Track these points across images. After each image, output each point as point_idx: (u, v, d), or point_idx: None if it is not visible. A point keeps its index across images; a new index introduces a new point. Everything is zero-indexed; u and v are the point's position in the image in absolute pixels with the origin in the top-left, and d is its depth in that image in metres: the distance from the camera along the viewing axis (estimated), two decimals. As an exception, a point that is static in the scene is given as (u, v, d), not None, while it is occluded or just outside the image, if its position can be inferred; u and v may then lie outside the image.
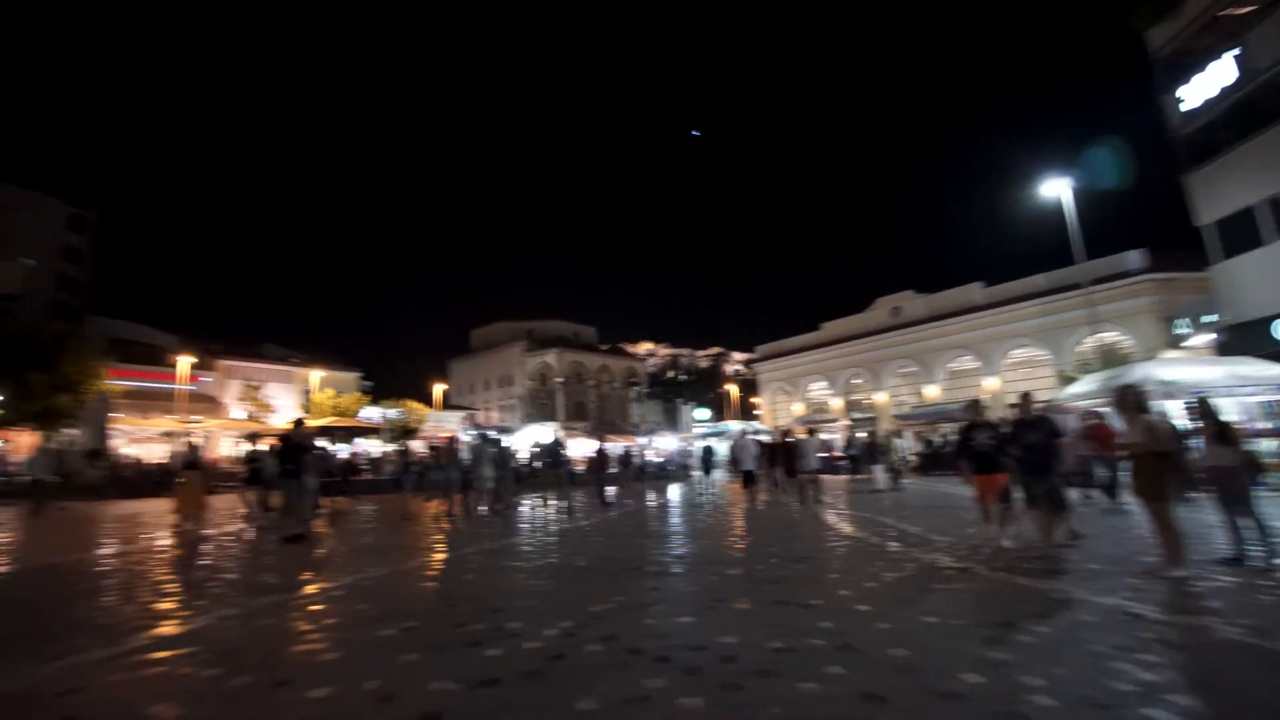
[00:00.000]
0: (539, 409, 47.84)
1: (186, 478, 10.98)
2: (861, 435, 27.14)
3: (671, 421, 54.79)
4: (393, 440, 30.15)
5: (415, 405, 36.71)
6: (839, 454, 27.22)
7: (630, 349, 67.80)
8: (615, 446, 19.22)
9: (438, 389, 39.49)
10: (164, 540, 10.36)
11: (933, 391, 36.34)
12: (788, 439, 14.55)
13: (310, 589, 6.32)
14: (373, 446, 29.22)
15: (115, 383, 29.24)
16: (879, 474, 17.61)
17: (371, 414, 34.35)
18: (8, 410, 24.24)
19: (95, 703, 3.49)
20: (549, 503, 15.41)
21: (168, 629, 4.91)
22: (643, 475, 22.11)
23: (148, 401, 31.04)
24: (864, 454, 19.46)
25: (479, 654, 4.13)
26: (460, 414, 41.67)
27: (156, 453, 29.42)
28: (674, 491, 18.97)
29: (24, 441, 26.48)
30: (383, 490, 18.77)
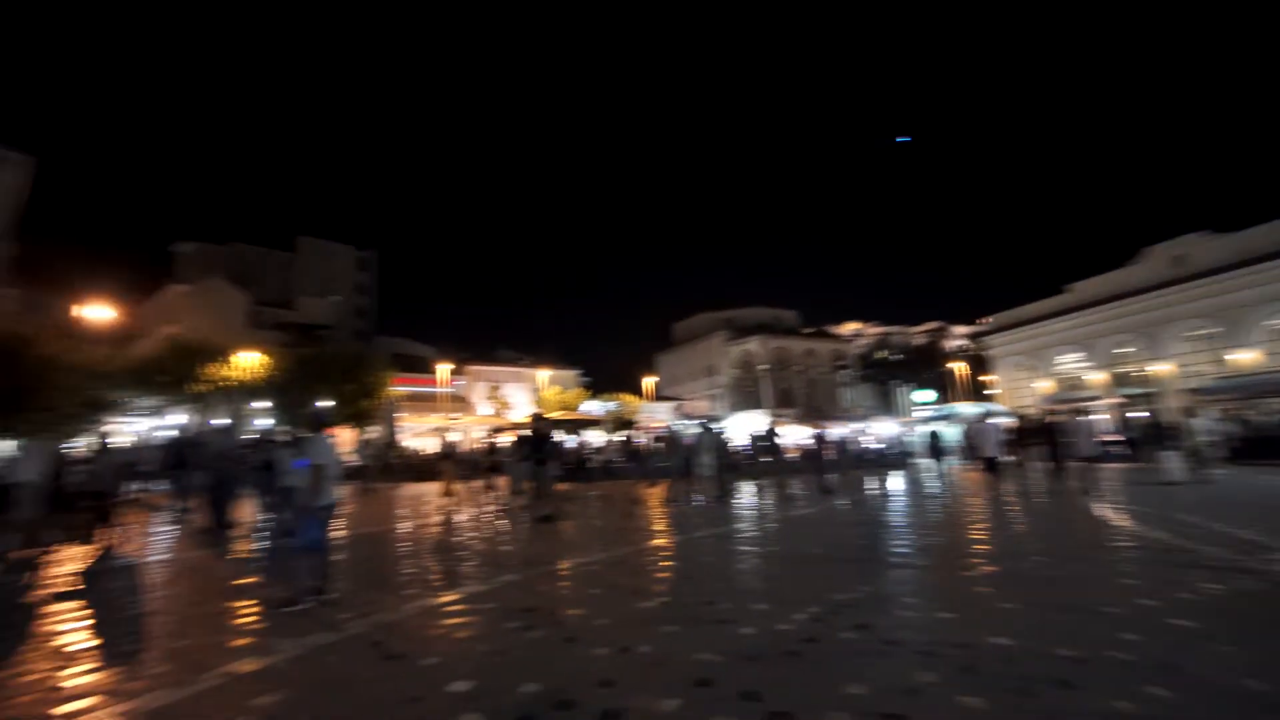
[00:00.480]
0: (745, 397, 47.90)
1: (445, 466, 13.14)
2: (1140, 414, 22.40)
3: (887, 405, 50.98)
4: (613, 431, 32.64)
5: (628, 398, 39.37)
6: (1112, 437, 22.80)
7: (835, 330, 64.45)
8: (831, 432, 18.47)
9: (647, 381, 41.84)
10: (443, 516, 12.48)
11: (1245, 357, 28.55)
12: (1049, 420, 12.59)
13: (568, 563, 7.13)
14: (595, 437, 31.94)
15: (397, 388, 36.04)
16: (1172, 462, 14.36)
17: (591, 407, 37.58)
18: (335, 413, 31.33)
19: (441, 636, 4.37)
20: (767, 490, 15.39)
21: (470, 588, 5.94)
22: (861, 462, 20.91)
23: (419, 403, 37.79)
24: (1147, 437, 16.04)
25: (733, 631, 4.31)
26: (670, 404, 43.50)
27: (430, 445, 35.67)
28: (899, 480, 17.64)
29: (345, 437, 34.03)
30: (609, 477, 20.43)
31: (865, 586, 5.47)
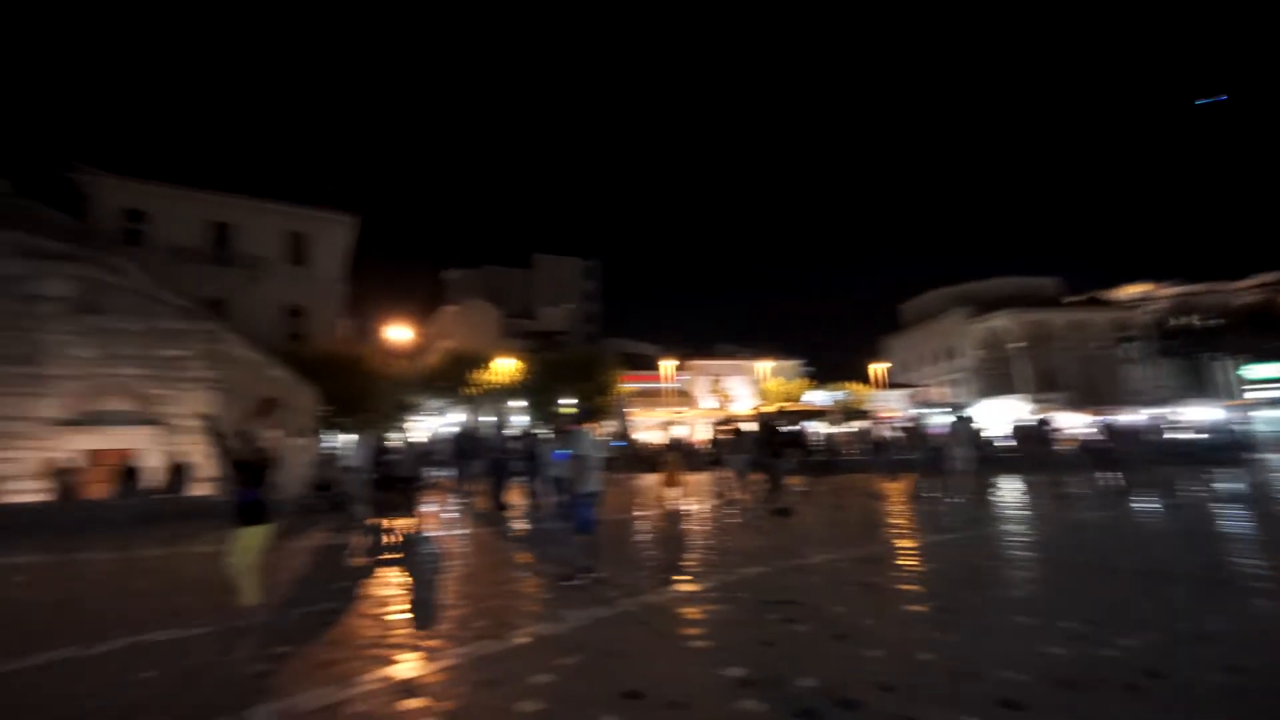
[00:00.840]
0: (994, 381, 41.80)
1: (670, 458, 13.53)
2: None
3: (1199, 384, 40.33)
4: (841, 421, 31.04)
5: (856, 386, 37.05)
6: None
7: (1112, 295, 52.61)
8: (1123, 419, 15.07)
9: (875, 368, 38.89)
10: (677, 506, 12.90)
11: None
12: None
13: (816, 558, 6.86)
14: (822, 428, 30.70)
15: (626, 385, 38.74)
16: None
17: (815, 397, 36.19)
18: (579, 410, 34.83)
19: (704, 620, 4.47)
20: (1038, 489, 13.17)
21: (721, 577, 6.02)
22: (1170, 456, 16.75)
23: (646, 398, 40.16)
24: None
25: (1037, 648, 3.70)
26: (904, 392, 39.90)
27: (657, 438, 37.70)
28: (1236, 480, 13.74)
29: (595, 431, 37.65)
30: (843, 470, 19.36)
31: (1219, 615, 4.30)
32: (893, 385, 40.97)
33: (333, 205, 29.64)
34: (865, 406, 34.87)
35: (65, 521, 11.22)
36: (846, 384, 37.38)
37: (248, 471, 4.91)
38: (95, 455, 13.04)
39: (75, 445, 12.87)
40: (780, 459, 11.33)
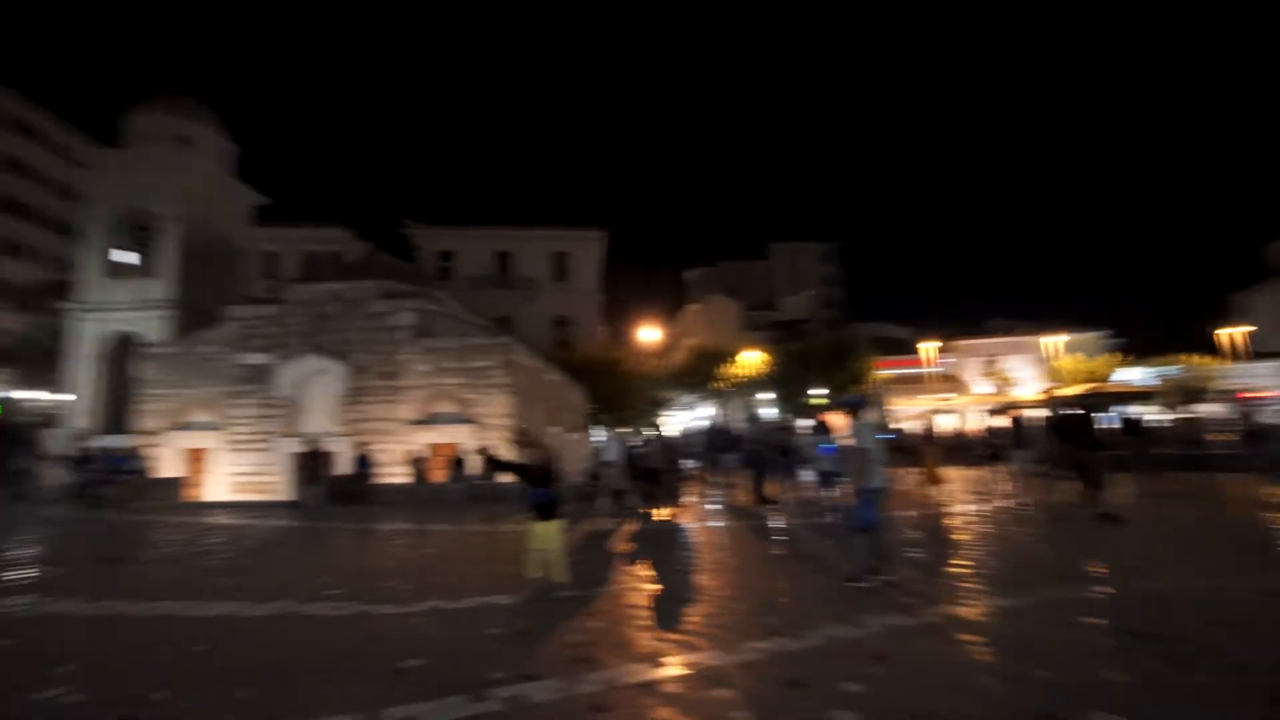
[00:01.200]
0: None
1: (927, 450, 11.86)
2: None
3: None
4: (1177, 405, 24.38)
5: (1197, 359, 28.63)
6: None
7: None
8: None
9: (1227, 334, 29.47)
10: (947, 508, 11.25)
11: None
12: None
13: (1183, 581, 5.34)
14: (1152, 413, 24.38)
15: (883, 372, 35.75)
16: None
17: (1131, 376, 29.01)
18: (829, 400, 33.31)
19: (1037, 645, 3.71)
20: None
21: (1047, 593, 5.01)
22: None
23: (908, 385, 36.55)
24: None
25: None
26: (1278, 364, 29.72)
27: (919, 427, 34.07)
28: None
29: (835, 422, 35.77)
30: (1194, 466, 14.87)
31: None
32: (1259, 355, 30.75)
33: (586, 224, 33.03)
34: (1214, 385, 26.87)
35: (419, 499, 14.35)
36: (1178, 356, 29.21)
37: (536, 475, 5.58)
38: (435, 448, 16.38)
39: (422, 440, 16.32)
40: (1099, 451, 9.17)
